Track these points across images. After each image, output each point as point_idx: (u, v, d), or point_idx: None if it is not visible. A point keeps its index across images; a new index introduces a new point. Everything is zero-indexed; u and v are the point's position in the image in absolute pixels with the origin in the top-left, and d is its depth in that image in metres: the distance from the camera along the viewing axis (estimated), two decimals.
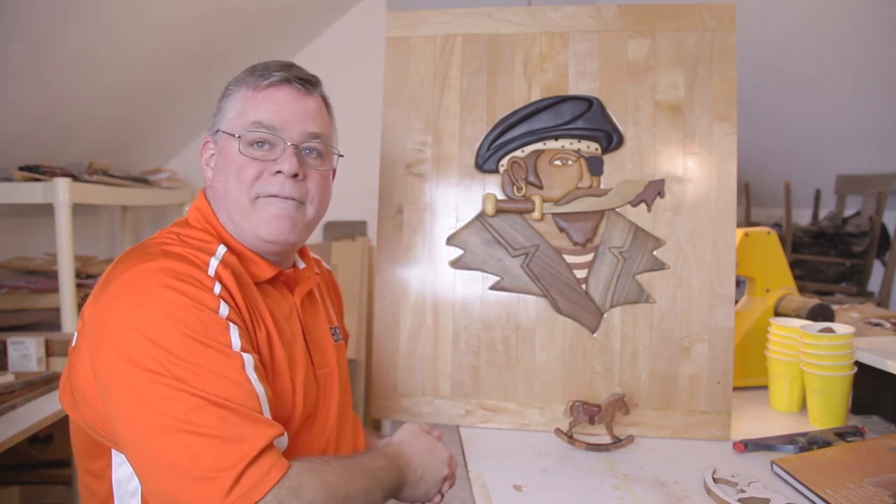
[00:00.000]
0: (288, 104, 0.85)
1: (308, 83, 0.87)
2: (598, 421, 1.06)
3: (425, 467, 0.82)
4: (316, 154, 0.87)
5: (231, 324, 0.72)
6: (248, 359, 0.71)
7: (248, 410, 0.68)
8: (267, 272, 0.85)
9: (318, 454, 0.84)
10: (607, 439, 1.06)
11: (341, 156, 0.93)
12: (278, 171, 0.83)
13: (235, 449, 0.65)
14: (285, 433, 0.71)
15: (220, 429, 0.65)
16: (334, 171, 0.94)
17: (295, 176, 0.84)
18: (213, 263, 0.77)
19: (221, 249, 0.81)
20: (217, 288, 0.74)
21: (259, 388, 0.71)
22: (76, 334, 0.77)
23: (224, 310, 0.73)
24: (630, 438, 1.06)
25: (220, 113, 0.87)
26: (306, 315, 0.91)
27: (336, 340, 0.97)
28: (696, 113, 1.13)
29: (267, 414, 0.70)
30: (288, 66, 0.87)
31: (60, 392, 0.81)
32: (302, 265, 0.95)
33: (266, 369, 0.78)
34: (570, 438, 1.06)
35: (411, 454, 0.83)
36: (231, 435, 0.65)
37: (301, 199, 0.85)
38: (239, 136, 0.83)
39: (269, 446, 0.67)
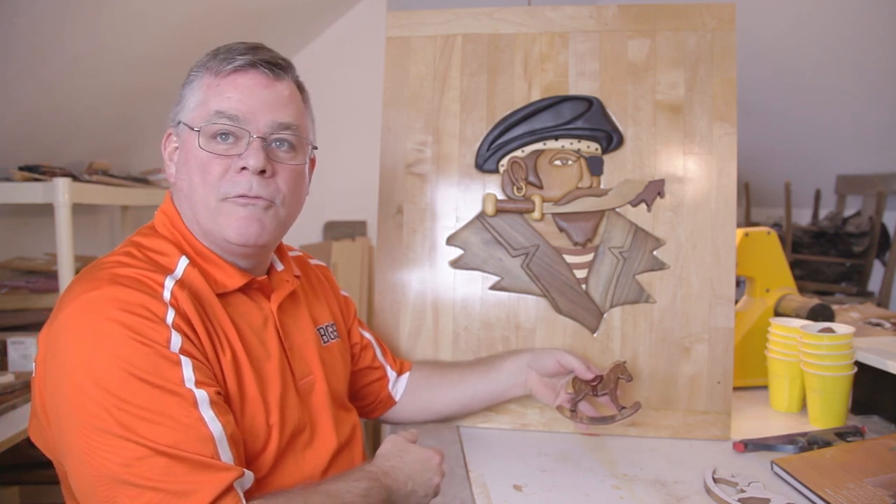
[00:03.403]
0: (253, 91, 0.77)
1: (277, 67, 0.79)
2: (601, 389, 1.01)
3: (415, 479, 0.79)
4: (287, 146, 0.80)
5: (184, 357, 0.68)
6: (202, 395, 0.67)
7: (199, 457, 0.64)
8: (236, 280, 0.80)
9: (309, 472, 0.81)
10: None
11: (315, 147, 0.87)
12: (244, 168, 0.76)
13: (181, 502, 0.62)
14: (245, 472, 0.67)
15: (165, 480, 0.62)
16: (313, 164, 0.88)
17: (262, 172, 0.77)
18: (169, 285, 0.72)
19: (182, 264, 0.76)
20: (170, 316, 0.69)
21: (215, 426, 0.67)
22: (34, 364, 0.73)
23: (176, 342, 0.68)
24: (636, 404, 1.01)
25: (181, 102, 0.80)
26: (286, 320, 0.86)
27: (326, 342, 0.92)
28: (696, 113, 1.13)
29: (225, 454, 0.67)
30: (254, 49, 0.79)
31: (30, 421, 0.77)
32: (280, 267, 0.90)
33: (232, 397, 0.74)
34: (573, 413, 1.02)
35: (400, 467, 0.79)
36: (177, 487, 0.62)
37: (271, 199, 0.78)
38: (199, 129, 0.76)
39: (226, 492, 0.64)
